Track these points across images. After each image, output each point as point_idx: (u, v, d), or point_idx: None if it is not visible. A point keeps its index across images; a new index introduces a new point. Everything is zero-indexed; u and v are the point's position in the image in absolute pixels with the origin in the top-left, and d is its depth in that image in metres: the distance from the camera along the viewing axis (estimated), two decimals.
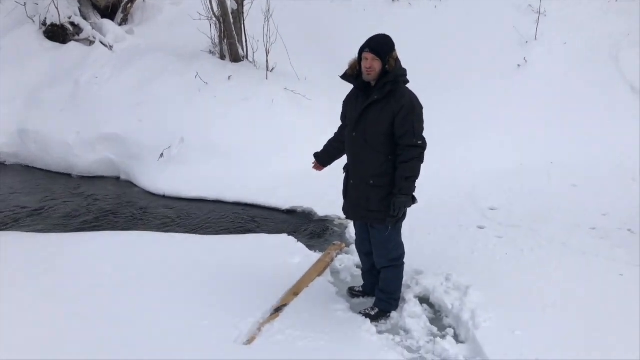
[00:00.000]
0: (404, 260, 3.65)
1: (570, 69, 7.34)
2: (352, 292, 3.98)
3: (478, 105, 7.15)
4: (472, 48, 7.78)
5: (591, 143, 6.48)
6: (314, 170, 3.98)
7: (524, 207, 5.44)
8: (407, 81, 3.34)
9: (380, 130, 3.27)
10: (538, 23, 7.71)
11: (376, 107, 3.27)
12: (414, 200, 3.34)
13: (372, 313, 3.63)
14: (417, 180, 3.27)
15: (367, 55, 3.24)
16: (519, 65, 7.49)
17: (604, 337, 3.31)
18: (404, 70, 3.31)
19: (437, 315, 3.72)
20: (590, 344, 3.25)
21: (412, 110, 3.22)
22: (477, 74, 7.50)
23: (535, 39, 7.67)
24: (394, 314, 3.66)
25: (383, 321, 3.62)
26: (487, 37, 7.85)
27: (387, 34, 3.34)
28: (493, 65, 7.56)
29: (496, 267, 4.21)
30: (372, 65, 3.24)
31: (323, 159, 3.88)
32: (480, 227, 5.02)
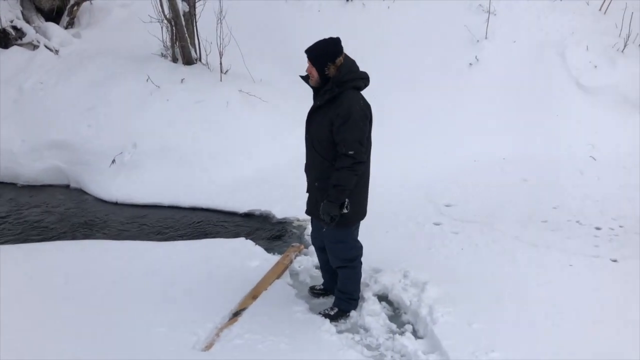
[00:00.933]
0: (361, 260, 3.64)
1: (519, 66, 7.54)
2: (313, 292, 3.98)
3: (432, 104, 7.25)
4: (425, 47, 7.90)
5: (541, 138, 6.68)
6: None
7: (479, 203, 5.55)
8: (359, 86, 3.26)
9: (322, 136, 3.25)
10: (488, 22, 7.89)
11: (319, 113, 3.27)
12: (342, 207, 3.20)
13: (332, 313, 3.63)
14: (346, 190, 3.16)
15: (308, 60, 3.23)
16: (470, 64, 7.64)
17: (557, 325, 3.41)
18: (353, 75, 3.21)
19: (395, 312, 3.75)
20: (544, 333, 3.33)
21: (347, 120, 3.11)
22: (431, 73, 7.61)
23: (486, 37, 7.84)
24: (353, 312, 3.66)
25: (342, 321, 3.62)
26: (440, 36, 7.98)
27: (335, 37, 3.27)
28: (446, 63, 7.69)
29: (453, 263, 4.28)
30: (311, 72, 3.23)
31: None
32: (437, 224, 5.09)
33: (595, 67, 7.26)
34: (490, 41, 7.82)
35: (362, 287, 3.81)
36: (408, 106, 7.28)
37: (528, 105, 7.13)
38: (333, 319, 3.60)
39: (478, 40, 7.84)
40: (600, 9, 8.00)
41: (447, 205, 5.53)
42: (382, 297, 3.86)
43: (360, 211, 3.43)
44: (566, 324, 3.42)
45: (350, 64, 3.25)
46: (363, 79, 3.29)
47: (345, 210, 3.20)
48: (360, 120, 3.15)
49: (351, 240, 3.53)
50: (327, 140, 3.23)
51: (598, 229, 4.93)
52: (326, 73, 3.18)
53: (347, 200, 3.20)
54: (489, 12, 7.98)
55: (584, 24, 7.82)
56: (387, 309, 3.75)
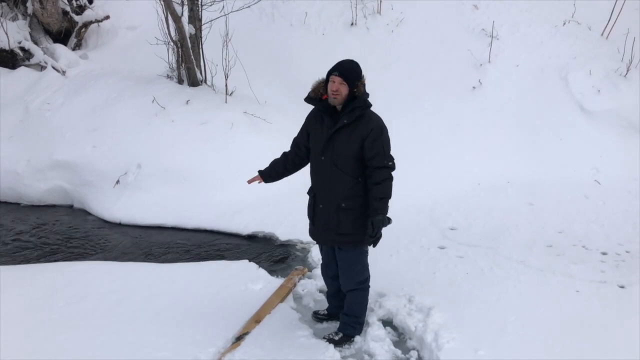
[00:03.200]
0: (369, 283, 3.62)
1: (522, 90, 7.60)
2: (317, 316, 3.93)
3: (435, 127, 7.28)
4: (428, 71, 7.97)
5: (545, 162, 6.69)
6: (249, 183, 3.90)
7: (483, 226, 5.52)
8: (371, 104, 3.36)
9: (350, 153, 3.27)
10: (491, 46, 7.97)
11: (345, 131, 3.27)
12: (389, 220, 3.28)
13: (336, 338, 3.59)
14: (389, 200, 3.26)
15: (335, 78, 3.24)
16: (474, 87, 7.70)
17: (563, 352, 3.35)
18: (368, 94, 3.34)
19: (400, 338, 3.70)
20: None
21: (381, 133, 3.25)
22: (434, 96, 7.67)
23: (489, 61, 7.91)
24: (357, 338, 3.61)
25: (347, 346, 3.57)
26: (443, 60, 8.06)
27: (354, 60, 3.35)
28: (449, 87, 7.75)
29: (458, 287, 4.23)
30: (339, 89, 3.24)
31: (267, 175, 3.80)
32: (441, 248, 5.06)
33: (599, 91, 7.30)
34: (494, 65, 7.89)
35: (367, 311, 3.77)
36: (411, 129, 7.31)
37: (532, 129, 7.15)
38: (337, 344, 3.55)
39: (481, 64, 7.91)
40: (602, 34, 8.08)
41: (451, 229, 5.50)
42: (387, 322, 3.81)
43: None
44: (574, 351, 3.37)
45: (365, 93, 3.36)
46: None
47: (389, 224, 3.26)
48: (388, 133, 3.32)
49: (365, 260, 3.53)
50: (355, 158, 3.27)
51: (604, 254, 4.89)
52: (355, 91, 3.25)
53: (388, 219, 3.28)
54: (492, 36, 8.07)
55: (586, 48, 7.90)
56: (392, 335, 3.70)
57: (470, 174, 6.59)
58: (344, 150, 3.28)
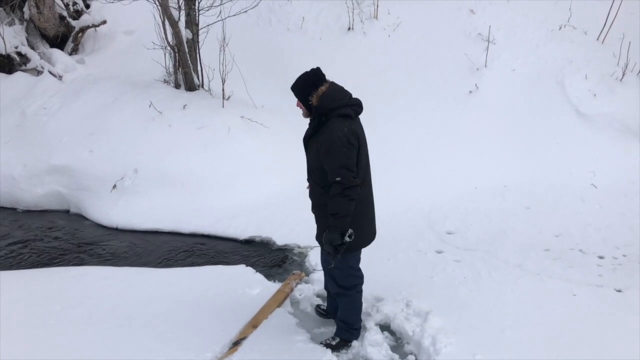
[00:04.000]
0: (362, 289, 3.58)
1: (519, 94, 7.61)
2: (318, 310, 4.01)
3: (432, 131, 7.29)
4: (425, 75, 7.98)
5: (541, 166, 6.70)
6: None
7: (480, 230, 5.53)
8: (346, 113, 3.18)
9: (315, 164, 3.29)
10: (488, 51, 7.99)
11: (312, 142, 3.29)
12: (345, 236, 3.10)
13: (333, 343, 3.60)
14: (344, 217, 3.08)
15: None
16: (470, 92, 7.72)
17: (561, 356, 3.36)
18: (338, 103, 3.18)
19: (398, 343, 3.70)
20: None
21: (330, 148, 3.10)
22: (431, 101, 7.69)
23: (486, 65, 7.93)
24: (355, 342, 3.61)
25: (344, 351, 3.57)
26: (440, 64, 8.08)
27: (315, 67, 3.26)
28: (445, 91, 7.77)
29: (455, 292, 4.24)
30: (299, 105, 3.30)
31: None
32: (439, 252, 5.06)
33: (595, 95, 7.33)
34: (490, 69, 7.91)
35: (364, 316, 3.78)
36: (408, 133, 7.33)
37: (528, 132, 7.17)
38: (334, 349, 3.56)
39: (478, 69, 7.93)
40: (598, 39, 8.11)
41: (448, 233, 5.51)
42: (384, 327, 3.81)
43: (359, 238, 3.26)
44: (571, 355, 3.37)
45: (337, 92, 3.24)
46: (352, 106, 3.24)
47: (347, 239, 3.10)
48: (342, 146, 3.09)
49: (347, 267, 3.44)
50: (319, 168, 3.26)
51: (601, 257, 4.90)
52: (310, 104, 3.21)
53: (350, 230, 3.12)
54: (488, 40, 8.09)
55: (582, 52, 7.92)
56: (389, 339, 3.69)
57: (467, 178, 6.59)
58: (312, 161, 3.33)
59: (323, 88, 3.19)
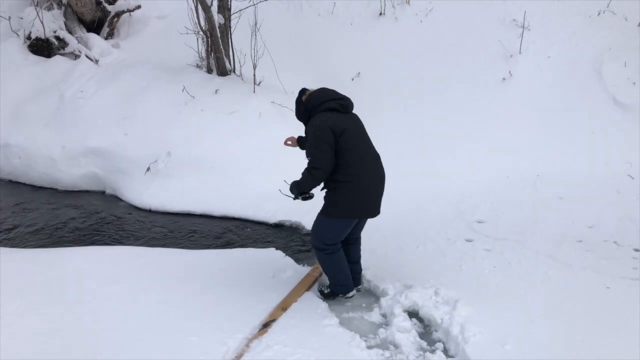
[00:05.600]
0: (334, 256, 3.86)
1: (554, 82, 7.44)
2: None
3: (464, 118, 7.21)
4: (457, 61, 7.87)
5: (576, 155, 6.55)
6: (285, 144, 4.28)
7: (511, 220, 5.46)
8: (331, 107, 3.68)
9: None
10: (522, 37, 7.82)
11: (305, 132, 3.83)
12: (303, 195, 3.76)
13: (325, 292, 4.05)
14: (301, 185, 3.70)
15: None
16: (503, 79, 7.58)
17: (591, 350, 3.31)
18: (321, 99, 3.69)
19: (426, 330, 3.70)
20: (578, 358, 3.25)
21: (307, 136, 3.71)
22: (463, 87, 7.58)
23: (520, 52, 7.77)
24: (382, 330, 3.64)
25: (331, 299, 4.00)
26: (472, 50, 7.94)
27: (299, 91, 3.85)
28: (478, 78, 7.65)
29: (485, 280, 4.21)
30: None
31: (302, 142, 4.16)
32: (468, 240, 5.03)
33: (634, 83, 7.12)
34: (524, 56, 7.75)
35: (392, 302, 3.82)
36: (439, 120, 7.26)
37: (563, 121, 7.01)
38: (325, 297, 4.03)
39: (511, 55, 7.77)
40: (639, 25, 7.84)
41: (478, 222, 5.46)
42: (413, 314, 3.82)
43: (346, 208, 3.70)
44: (604, 348, 3.32)
45: (322, 91, 3.77)
46: (335, 100, 3.70)
47: (300, 198, 3.79)
48: (313, 136, 3.60)
49: (321, 227, 3.82)
50: None
51: (637, 250, 4.79)
52: (302, 111, 3.81)
53: (309, 194, 3.75)
54: (523, 27, 7.91)
55: (621, 40, 7.68)
56: (417, 326, 3.70)
57: (499, 167, 6.51)
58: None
59: (305, 96, 3.79)
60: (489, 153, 6.71)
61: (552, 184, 6.15)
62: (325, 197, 3.83)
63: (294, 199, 3.85)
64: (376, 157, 3.83)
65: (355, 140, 3.68)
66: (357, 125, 3.79)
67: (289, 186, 3.84)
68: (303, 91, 3.86)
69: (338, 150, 3.60)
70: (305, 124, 3.80)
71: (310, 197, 3.79)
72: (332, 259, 3.89)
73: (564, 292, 4.02)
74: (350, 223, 3.83)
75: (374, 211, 3.82)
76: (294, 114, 3.91)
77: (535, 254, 4.70)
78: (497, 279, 4.25)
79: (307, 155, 3.71)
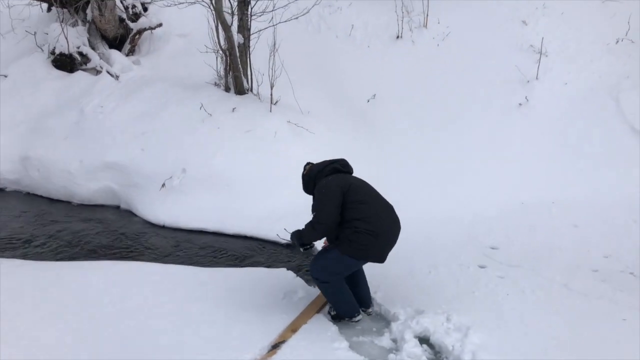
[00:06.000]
0: (332, 288, 3.88)
1: (571, 108, 7.42)
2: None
3: (479, 142, 7.20)
4: (473, 86, 7.89)
5: (592, 183, 6.49)
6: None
7: (526, 247, 5.41)
8: (335, 169, 4.00)
9: None
10: (539, 63, 7.83)
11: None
12: (304, 246, 3.98)
13: (332, 313, 4.07)
14: (303, 236, 3.86)
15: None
16: (520, 104, 7.57)
17: None
18: (321, 167, 4.01)
19: (437, 357, 3.66)
20: None
21: (314, 196, 3.93)
22: (479, 112, 7.59)
23: (537, 78, 7.77)
24: (391, 355, 3.60)
25: (338, 322, 3.99)
26: (489, 75, 7.96)
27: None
28: (494, 103, 7.65)
29: (497, 308, 4.16)
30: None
31: None
32: (481, 266, 4.98)
33: None
34: (541, 82, 7.75)
35: (403, 327, 3.79)
36: (454, 143, 7.26)
37: (579, 148, 6.97)
38: (333, 318, 4.04)
39: (528, 81, 7.78)
40: None
41: (492, 248, 5.41)
42: (424, 340, 3.78)
43: (361, 251, 3.73)
44: None
45: (318, 164, 4.07)
46: (333, 163, 4.02)
47: (301, 249, 3.99)
48: (319, 195, 3.83)
49: (325, 262, 3.84)
50: None
51: None
52: (307, 181, 4.09)
53: (310, 245, 3.98)
54: (540, 52, 7.92)
55: (639, 67, 7.64)
56: (428, 352, 3.66)
57: (513, 192, 6.46)
58: None
59: (304, 172, 4.13)
60: (504, 178, 6.68)
61: (568, 211, 6.09)
62: (340, 238, 3.84)
63: (297, 245, 4.01)
64: (390, 208, 3.93)
65: (366, 195, 3.86)
66: (363, 182, 3.99)
67: (289, 234, 4.03)
68: (305, 166, 4.17)
69: (351, 203, 3.75)
70: (312, 194, 4.00)
71: (311, 247, 4.01)
72: (332, 289, 3.91)
73: (579, 323, 3.95)
74: (358, 264, 3.96)
75: (383, 259, 3.90)
76: (302, 189, 4.16)
77: (550, 282, 4.64)
78: (510, 306, 4.19)
79: (312, 210, 3.90)
